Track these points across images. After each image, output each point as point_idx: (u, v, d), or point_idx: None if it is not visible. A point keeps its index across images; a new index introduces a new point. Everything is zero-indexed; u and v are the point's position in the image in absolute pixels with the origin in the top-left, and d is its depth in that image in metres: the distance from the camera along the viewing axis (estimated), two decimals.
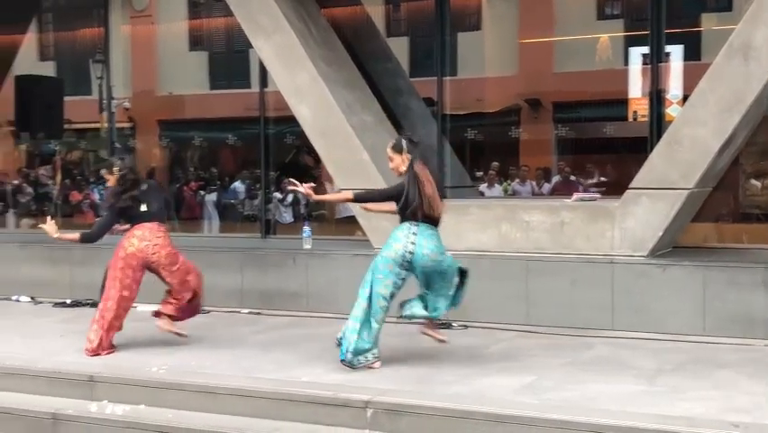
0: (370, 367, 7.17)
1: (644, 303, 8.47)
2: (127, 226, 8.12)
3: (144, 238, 8.02)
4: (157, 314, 8.34)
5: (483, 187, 12.25)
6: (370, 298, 7.20)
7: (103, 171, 8.34)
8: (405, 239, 7.16)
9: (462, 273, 7.40)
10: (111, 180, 8.14)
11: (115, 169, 8.12)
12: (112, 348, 8.07)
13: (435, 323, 7.63)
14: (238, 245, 10.99)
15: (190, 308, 8.37)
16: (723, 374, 6.91)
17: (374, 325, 7.19)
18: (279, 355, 7.85)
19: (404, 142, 7.21)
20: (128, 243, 8.04)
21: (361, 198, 7.70)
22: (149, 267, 8.09)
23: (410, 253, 7.13)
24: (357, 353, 7.15)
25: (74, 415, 6.86)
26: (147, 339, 8.53)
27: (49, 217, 8.38)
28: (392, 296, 7.25)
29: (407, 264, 7.18)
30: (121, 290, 8.02)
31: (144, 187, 8.21)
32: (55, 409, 6.95)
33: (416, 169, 7.09)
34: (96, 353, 7.95)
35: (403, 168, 7.16)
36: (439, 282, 7.30)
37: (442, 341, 7.59)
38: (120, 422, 6.70)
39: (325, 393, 6.46)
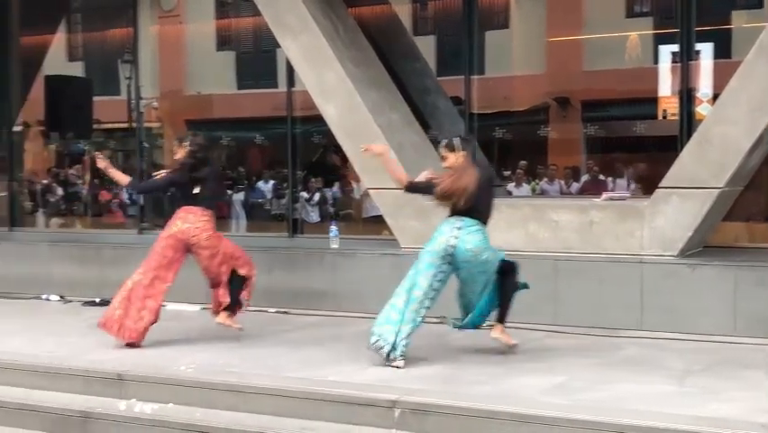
0: (395, 366, 7.16)
1: (674, 303, 8.40)
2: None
3: (187, 221, 8.16)
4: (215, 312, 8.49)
5: (511, 186, 12.20)
6: (410, 290, 7.23)
7: (174, 143, 8.44)
8: (449, 233, 7.24)
9: (510, 268, 7.53)
10: (179, 153, 8.29)
11: (185, 143, 8.27)
12: (140, 338, 8.12)
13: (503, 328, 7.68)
14: (265, 244, 11.00)
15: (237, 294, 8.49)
16: (753, 375, 6.85)
17: (409, 316, 7.19)
18: (307, 354, 7.86)
19: (456, 141, 7.39)
20: (173, 224, 8.21)
21: (412, 187, 7.78)
22: (189, 249, 8.19)
23: (452, 246, 7.19)
24: (395, 347, 7.16)
25: (103, 413, 6.90)
26: (176, 337, 8.57)
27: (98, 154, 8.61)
28: (433, 289, 7.26)
29: (450, 258, 7.22)
30: (157, 269, 8.14)
31: (207, 170, 8.30)
32: (84, 407, 7.00)
33: (460, 164, 7.29)
34: (112, 330, 8.08)
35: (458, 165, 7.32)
36: (480, 280, 7.34)
37: (512, 345, 7.68)
38: (149, 420, 6.73)
39: (353, 393, 6.45)
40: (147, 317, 8.13)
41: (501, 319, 7.67)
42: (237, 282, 8.42)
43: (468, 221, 7.26)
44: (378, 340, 7.20)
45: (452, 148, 7.35)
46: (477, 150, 11.05)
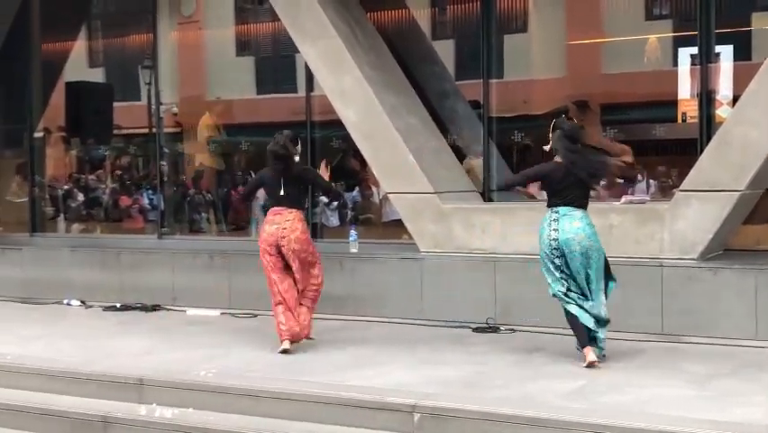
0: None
1: (695, 306, 8.35)
2: None
3: (273, 222, 8.24)
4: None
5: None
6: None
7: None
8: (547, 228, 7.34)
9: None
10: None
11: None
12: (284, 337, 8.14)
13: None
14: None
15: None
16: None
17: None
18: (329, 359, 7.87)
19: (558, 122, 7.50)
20: (262, 230, 8.36)
21: (508, 182, 8.19)
22: (280, 250, 8.20)
23: (554, 240, 7.27)
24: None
25: (123, 418, 6.93)
26: (197, 342, 8.59)
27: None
28: (565, 283, 7.35)
29: (558, 252, 7.29)
30: (268, 277, 8.22)
31: (296, 170, 8.33)
32: (105, 411, 7.03)
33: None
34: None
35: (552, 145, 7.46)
36: (593, 269, 7.36)
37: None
38: (168, 425, 6.75)
39: (371, 397, 6.46)
40: (280, 319, 8.16)
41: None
42: None
43: (565, 208, 7.32)
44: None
45: (553, 129, 7.46)
46: (497, 155, 11.07)
